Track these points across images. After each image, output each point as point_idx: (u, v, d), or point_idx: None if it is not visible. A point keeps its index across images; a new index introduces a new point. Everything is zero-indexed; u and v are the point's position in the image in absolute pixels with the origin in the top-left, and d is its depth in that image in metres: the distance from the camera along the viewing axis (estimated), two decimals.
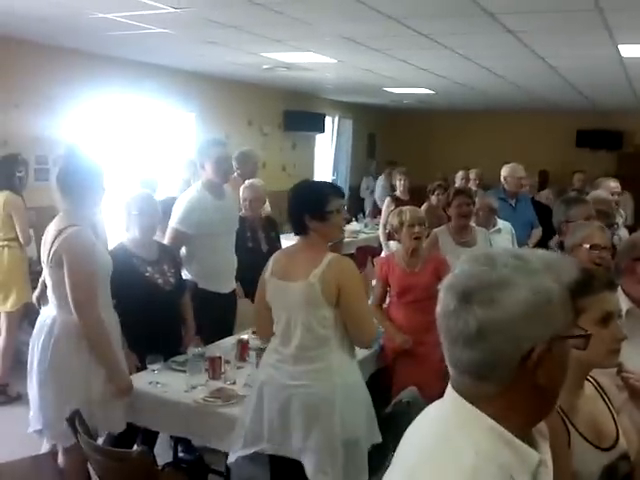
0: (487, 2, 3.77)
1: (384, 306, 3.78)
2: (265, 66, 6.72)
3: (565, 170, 9.34)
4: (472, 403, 0.99)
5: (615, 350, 1.63)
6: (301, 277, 2.44)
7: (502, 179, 5.35)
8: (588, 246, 2.75)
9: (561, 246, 3.15)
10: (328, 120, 10.64)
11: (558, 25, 4.29)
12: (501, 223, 4.69)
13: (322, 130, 10.21)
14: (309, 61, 6.29)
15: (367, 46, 5.38)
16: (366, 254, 6.14)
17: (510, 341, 0.95)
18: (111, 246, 3.55)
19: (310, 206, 2.49)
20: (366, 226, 8.36)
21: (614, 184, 4.83)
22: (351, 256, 6.82)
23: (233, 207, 4.07)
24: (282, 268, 2.54)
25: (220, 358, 3.03)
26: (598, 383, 1.71)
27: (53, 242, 2.66)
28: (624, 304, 2.05)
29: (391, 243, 5.64)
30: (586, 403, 1.64)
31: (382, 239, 6.18)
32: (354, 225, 8.20)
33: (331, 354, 2.47)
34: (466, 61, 5.94)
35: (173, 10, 4.18)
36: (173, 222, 3.72)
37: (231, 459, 2.57)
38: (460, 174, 7.50)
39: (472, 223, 4.34)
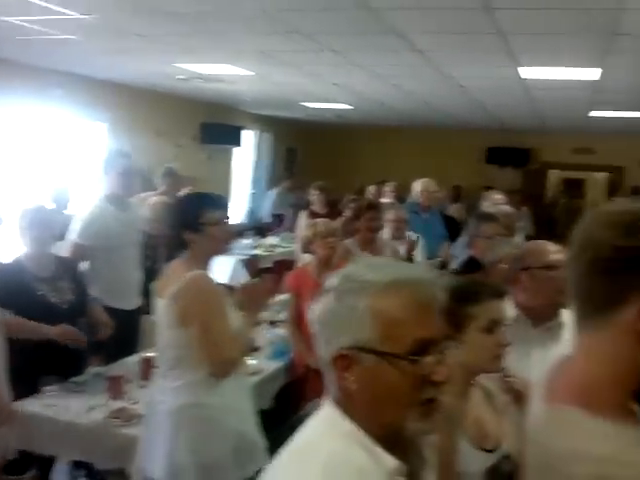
0: (395, 20, 3.86)
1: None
2: (179, 77, 6.63)
3: (477, 185, 9.72)
4: (339, 404, 1.07)
5: (499, 355, 1.70)
6: (164, 295, 2.34)
7: (415, 193, 5.50)
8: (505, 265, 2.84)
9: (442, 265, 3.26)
10: (248, 133, 10.60)
11: (463, 46, 4.45)
12: (412, 235, 4.81)
13: (239, 143, 10.12)
14: (224, 73, 6.25)
15: (282, 60, 5.41)
16: (283, 268, 6.13)
17: (322, 344, 1.08)
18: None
19: (187, 219, 2.38)
20: (284, 240, 8.37)
21: (498, 196, 5.08)
22: (268, 270, 6.83)
23: (136, 220, 3.96)
24: (160, 285, 2.44)
25: (121, 377, 2.93)
26: (485, 387, 1.79)
27: None
28: (512, 311, 2.14)
29: (306, 256, 5.65)
30: (473, 407, 1.70)
31: (298, 253, 6.18)
32: (271, 239, 8.20)
33: (186, 374, 2.34)
34: (377, 78, 6.08)
35: (81, 17, 4.05)
36: (73, 235, 3.60)
37: None
38: (372, 188, 7.65)
39: (386, 235, 4.43)
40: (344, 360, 1.04)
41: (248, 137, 10.80)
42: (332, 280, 1.10)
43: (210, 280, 2.36)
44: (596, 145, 10.52)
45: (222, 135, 9.60)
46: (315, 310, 1.10)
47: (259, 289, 2.51)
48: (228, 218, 2.49)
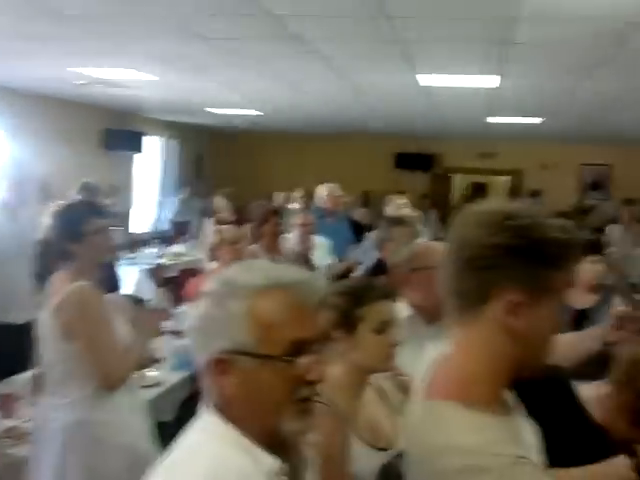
0: (298, 27, 3.89)
1: None
2: (79, 82, 6.39)
3: (386, 190, 9.91)
4: (218, 408, 1.06)
5: (390, 355, 1.73)
6: (48, 308, 2.24)
7: (320, 198, 5.55)
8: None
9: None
10: (154, 140, 10.33)
11: (364, 53, 4.53)
12: (318, 239, 4.85)
13: (140, 150, 9.80)
14: (127, 78, 6.08)
15: (186, 65, 5.33)
16: (189, 277, 6.00)
17: (199, 349, 1.07)
18: None
19: (68, 229, 2.31)
20: (190, 248, 8.21)
21: (401, 201, 5.24)
22: (174, 279, 6.69)
23: (28, 231, 3.77)
24: (45, 297, 2.32)
25: (12, 395, 2.78)
26: (379, 386, 1.82)
27: None
28: (405, 311, 2.19)
29: (213, 264, 5.58)
30: (366, 406, 1.72)
31: (205, 260, 6.09)
32: (177, 247, 8.05)
33: (75, 390, 2.24)
34: (284, 84, 6.10)
35: None
36: None
37: None
38: (280, 194, 7.68)
39: (293, 239, 4.45)
40: (221, 364, 1.04)
41: (154, 144, 10.54)
42: (209, 285, 1.10)
43: (94, 291, 2.27)
44: (498, 150, 11.01)
45: (125, 142, 9.33)
46: (191, 315, 1.10)
47: (149, 318, 2.46)
48: (112, 226, 2.43)
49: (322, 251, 4.76)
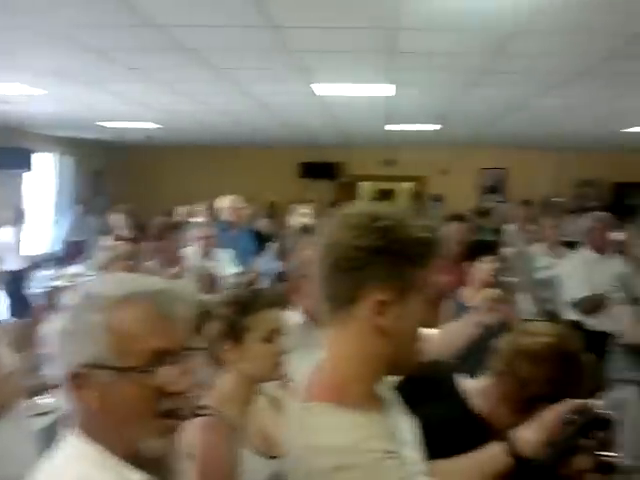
0: (185, 37, 3.84)
1: None
2: None
3: (293, 201, 9.93)
4: (81, 426, 1.03)
5: (279, 363, 1.74)
6: None
7: (223, 211, 5.50)
8: None
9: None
10: (46, 157, 9.85)
11: (257, 63, 4.52)
12: (221, 252, 4.80)
13: (29, 168, 9.23)
14: (11, 93, 5.79)
15: (76, 79, 5.14)
16: None
17: (59, 364, 1.03)
18: None
19: None
20: (88, 268, 7.87)
21: (304, 210, 5.31)
22: None
23: None
24: None
25: None
26: (271, 395, 1.81)
27: None
28: (298, 317, 2.20)
29: None
30: (258, 415, 1.71)
31: None
32: (74, 268, 7.70)
33: None
34: (180, 96, 6.00)
35: None
36: None
37: None
38: (182, 209, 7.54)
39: (195, 252, 4.38)
40: (81, 379, 1.01)
41: (46, 161, 10.05)
42: (69, 298, 1.06)
43: None
44: (401, 157, 11.31)
45: (11, 159, 8.78)
46: (50, 330, 1.05)
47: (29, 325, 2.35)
48: None
49: (225, 263, 4.71)
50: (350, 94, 5.57)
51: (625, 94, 5.41)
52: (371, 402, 1.15)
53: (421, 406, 1.42)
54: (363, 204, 1.24)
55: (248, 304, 1.73)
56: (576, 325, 4.55)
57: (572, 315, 4.70)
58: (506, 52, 4.00)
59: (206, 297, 2.85)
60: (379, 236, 1.11)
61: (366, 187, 12.64)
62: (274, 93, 5.71)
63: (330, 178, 11.36)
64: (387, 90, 5.38)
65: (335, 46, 4.00)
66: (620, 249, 4.51)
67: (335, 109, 6.61)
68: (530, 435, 1.37)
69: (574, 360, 1.60)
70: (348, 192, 11.11)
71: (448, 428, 1.47)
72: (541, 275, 5.22)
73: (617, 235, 4.85)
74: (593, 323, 4.39)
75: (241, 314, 1.70)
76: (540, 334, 1.64)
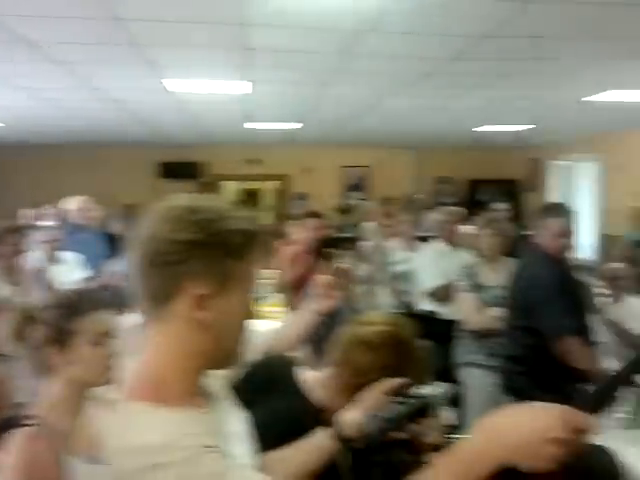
0: (24, 29, 3.59)
1: None
2: None
3: (152, 202, 9.58)
4: None
5: (109, 367, 1.67)
6: None
7: (71, 213, 5.21)
8: None
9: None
10: None
11: (102, 57, 4.30)
12: (67, 255, 4.56)
13: None
14: None
15: None
16: None
17: None
18: None
19: None
20: None
21: None
22: None
23: None
24: None
25: None
26: (107, 399, 1.72)
27: None
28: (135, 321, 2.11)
29: None
30: (88, 422, 1.63)
31: None
32: None
33: None
34: (22, 92, 5.61)
35: None
36: None
37: None
38: (27, 212, 7.07)
39: (39, 257, 4.12)
40: None
41: None
42: None
43: None
44: (264, 155, 11.31)
45: None
46: None
47: None
48: None
49: (70, 266, 4.46)
50: (204, 91, 5.46)
51: (472, 94, 5.75)
52: (191, 398, 1.12)
53: (259, 401, 1.42)
54: (183, 197, 1.20)
55: (75, 307, 1.64)
56: (429, 314, 4.80)
57: (427, 305, 4.94)
58: (353, 52, 4.10)
59: (29, 301, 2.68)
60: (197, 229, 1.09)
61: (229, 187, 12.55)
62: (124, 89, 5.48)
63: (192, 178, 11.12)
64: (243, 88, 5.33)
65: (185, 41, 3.90)
66: (470, 241, 4.80)
67: (191, 107, 6.47)
68: (352, 416, 1.41)
69: (408, 347, 1.66)
70: (211, 192, 10.96)
71: (285, 423, 1.47)
72: (398, 268, 5.44)
73: (467, 228, 5.17)
74: (446, 312, 4.65)
75: (67, 317, 1.61)
76: (375, 323, 1.69)
